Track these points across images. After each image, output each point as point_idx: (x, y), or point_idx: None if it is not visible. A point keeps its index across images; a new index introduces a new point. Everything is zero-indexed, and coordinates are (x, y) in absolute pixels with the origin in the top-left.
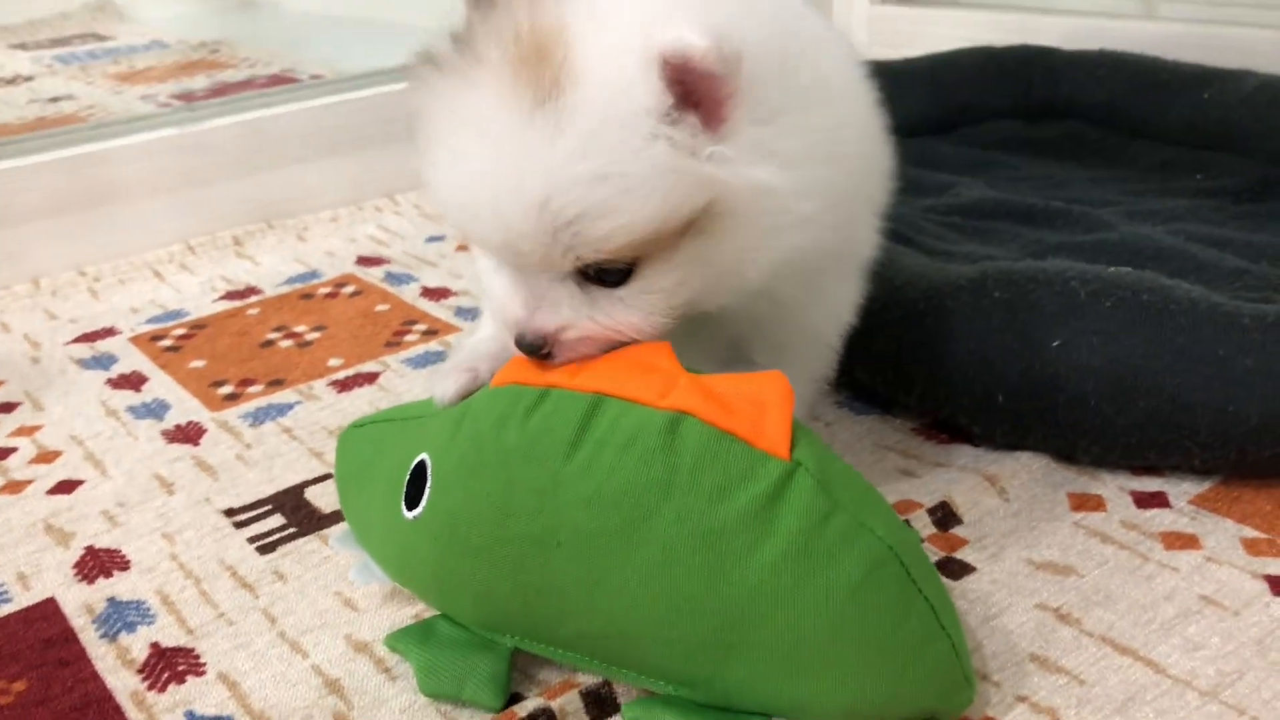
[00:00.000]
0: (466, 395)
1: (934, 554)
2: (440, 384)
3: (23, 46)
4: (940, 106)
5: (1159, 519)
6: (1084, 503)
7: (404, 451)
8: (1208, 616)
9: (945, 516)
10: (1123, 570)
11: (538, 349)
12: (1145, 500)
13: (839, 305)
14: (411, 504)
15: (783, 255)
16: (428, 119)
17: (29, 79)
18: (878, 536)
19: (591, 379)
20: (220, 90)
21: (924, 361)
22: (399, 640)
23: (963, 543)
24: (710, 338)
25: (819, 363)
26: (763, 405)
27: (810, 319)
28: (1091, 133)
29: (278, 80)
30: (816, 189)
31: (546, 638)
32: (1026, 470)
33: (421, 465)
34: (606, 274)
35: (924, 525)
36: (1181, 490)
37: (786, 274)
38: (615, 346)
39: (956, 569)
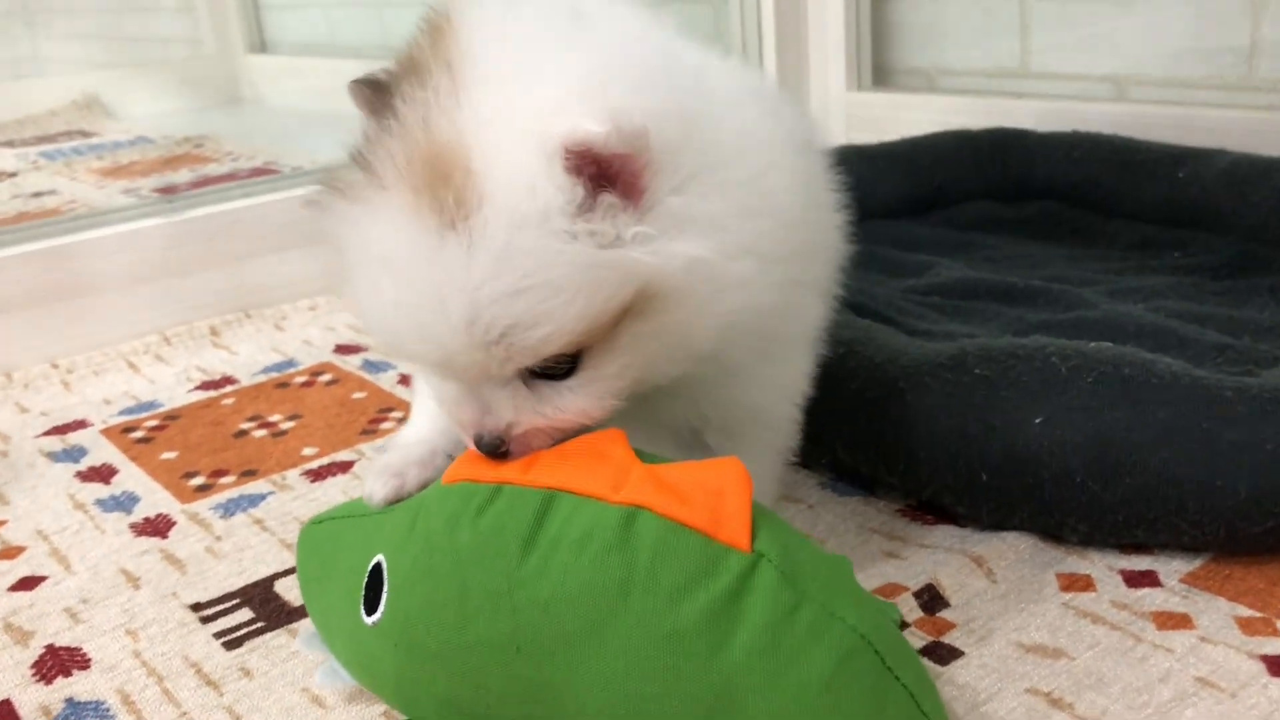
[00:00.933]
0: (396, 500)
1: (921, 639)
2: (369, 484)
3: (9, 144)
4: (917, 188)
5: (1150, 598)
6: (1073, 583)
7: (361, 552)
8: (1205, 699)
9: (932, 600)
10: (1115, 652)
11: (496, 448)
12: (1135, 579)
13: (790, 377)
14: (370, 608)
15: (725, 320)
16: (341, 246)
17: (13, 175)
18: (849, 626)
19: (543, 474)
20: (203, 183)
21: (905, 440)
22: None
23: (950, 626)
24: (668, 420)
25: (779, 436)
26: (720, 493)
27: (762, 394)
28: (1068, 212)
29: (260, 172)
30: (747, 247)
31: None
32: (1013, 550)
33: (378, 568)
34: (551, 369)
35: (910, 609)
36: (1172, 568)
37: (736, 338)
38: (575, 433)
39: (944, 654)
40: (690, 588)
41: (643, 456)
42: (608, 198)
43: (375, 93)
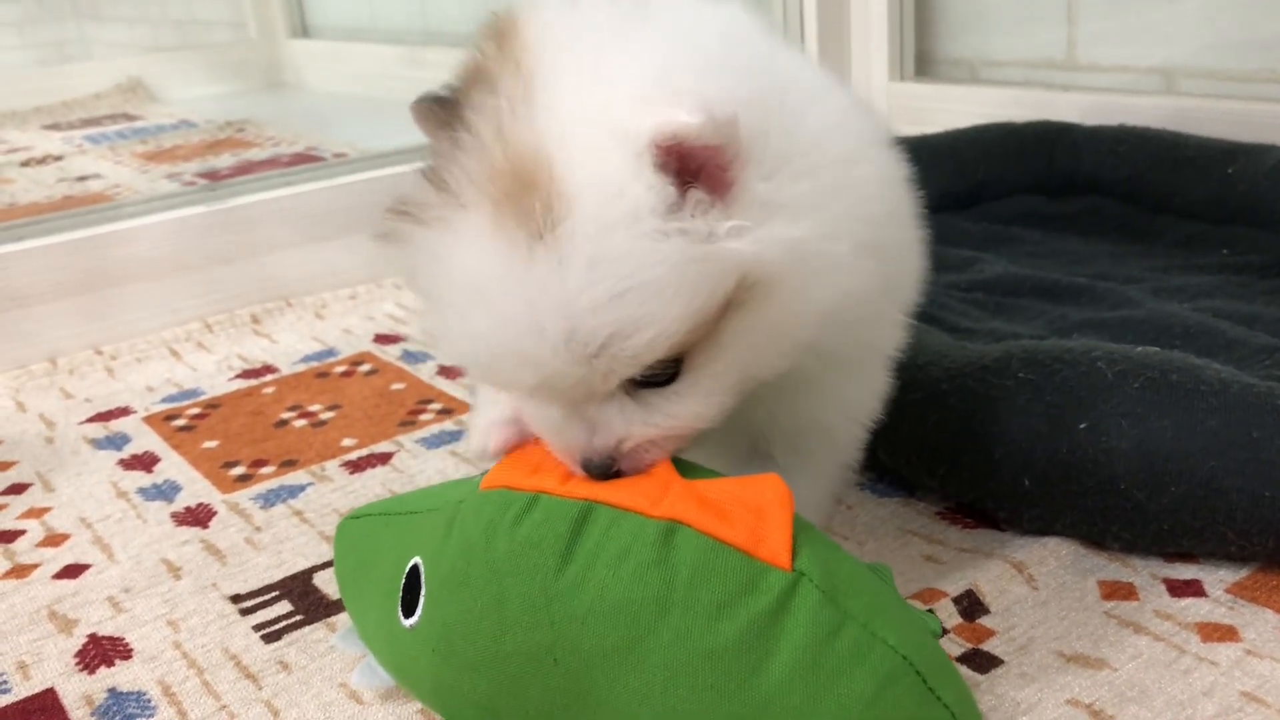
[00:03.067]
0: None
1: (959, 646)
2: (478, 439)
3: (55, 127)
4: (960, 182)
5: (1195, 609)
6: (1115, 591)
7: (397, 552)
8: (1250, 715)
9: (971, 606)
10: (1158, 664)
11: (607, 470)
12: (1180, 589)
13: (864, 395)
14: (408, 611)
15: (827, 304)
16: (419, 275)
17: (59, 159)
18: (890, 647)
19: (581, 485)
20: (244, 169)
21: (948, 444)
22: None
23: (990, 634)
24: (729, 435)
25: (843, 453)
26: (761, 511)
27: (835, 411)
28: (1113, 208)
29: (301, 159)
30: (842, 226)
31: None
32: (1055, 557)
33: (415, 570)
34: (654, 376)
35: (949, 615)
36: (1218, 578)
37: (830, 334)
38: (686, 440)
39: (983, 662)
40: (730, 606)
41: (685, 469)
42: (696, 194)
43: (441, 109)
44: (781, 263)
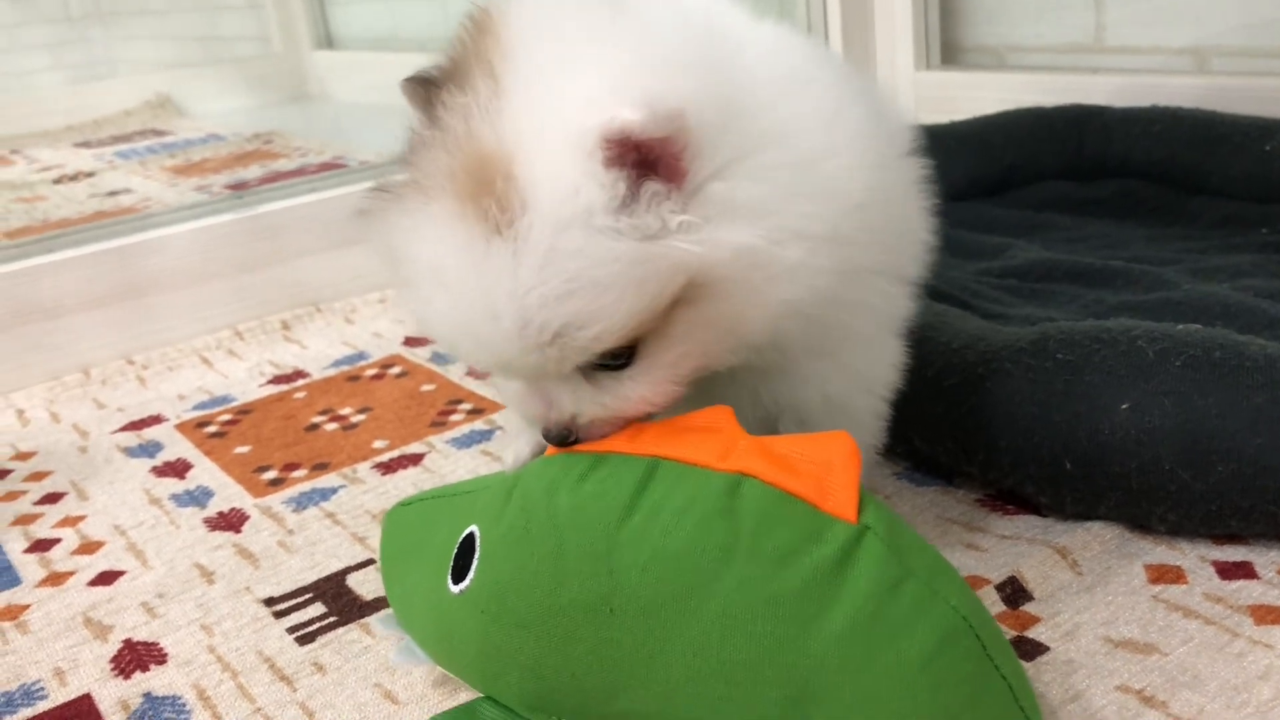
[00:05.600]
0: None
1: (1005, 633)
2: (514, 444)
3: (86, 144)
4: (990, 169)
5: (1246, 591)
6: (1163, 574)
7: (453, 526)
8: None
9: (1015, 593)
10: (1210, 648)
11: (565, 439)
12: (1230, 571)
13: (869, 367)
14: (458, 578)
15: (778, 307)
16: (394, 250)
17: (90, 175)
18: (952, 606)
19: (649, 444)
20: (272, 179)
21: (985, 429)
22: None
23: (1034, 620)
24: (741, 411)
25: (861, 431)
26: (828, 466)
27: (836, 384)
28: (1148, 190)
29: (328, 167)
30: (797, 231)
31: (597, 715)
32: (1099, 541)
33: (470, 537)
34: (609, 361)
35: (993, 602)
36: (1269, 559)
37: (797, 326)
38: (644, 419)
39: (1029, 649)
40: (795, 554)
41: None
42: (651, 185)
43: (428, 90)
44: (728, 266)
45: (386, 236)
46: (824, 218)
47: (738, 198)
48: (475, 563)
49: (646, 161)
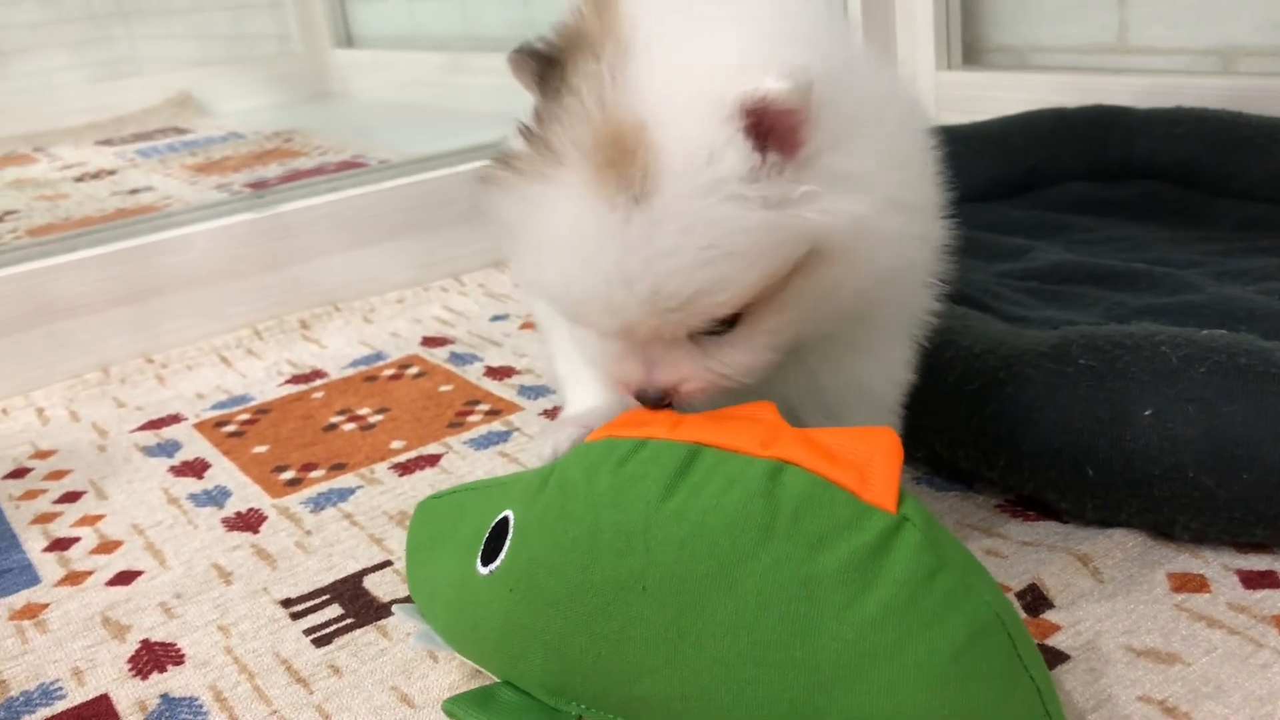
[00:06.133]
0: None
1: None
2: (553, 437)
3: (108, 142)
4: (1010, 170)
5: (1271, 601)
6: (1185, 583)
7: (485, 513)
8: None
9: (1035, 600)
10: (1234, 658)
11: (660, 401)
12: (1254, 580)
13: (891, 358)
14: (488, 560)
15: (881, 274)
16: (515, 222)
17: (112, 173)
18: (986, 601)
19: (692, 431)
20: (292, 177)
21: (1006, 434)
22: (457, 706)
23: (1055, 628)
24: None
25: (884, 415)
26: (869, 458)
27: (862, 370)
28: (1171, 192)
29: (348, 166)
30: (896, 201)
31: (617, 700)
32: (1121, 549)
33: (504, 521)
34: (718, 327)
35: None
36: None
37: (881, 291)
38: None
39: (1050, 657)
40: (833, 538)
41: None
42: (772, 156)
43: (536, 63)
44: (846, 234)
45: (510, 206)
46: (914, 187)
47: (848, 170)
48: (507, 544)
49: (769, 133)
